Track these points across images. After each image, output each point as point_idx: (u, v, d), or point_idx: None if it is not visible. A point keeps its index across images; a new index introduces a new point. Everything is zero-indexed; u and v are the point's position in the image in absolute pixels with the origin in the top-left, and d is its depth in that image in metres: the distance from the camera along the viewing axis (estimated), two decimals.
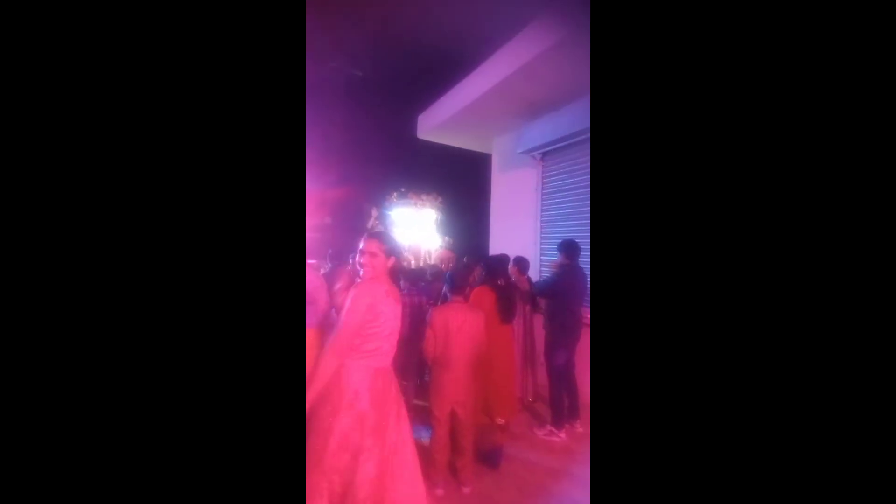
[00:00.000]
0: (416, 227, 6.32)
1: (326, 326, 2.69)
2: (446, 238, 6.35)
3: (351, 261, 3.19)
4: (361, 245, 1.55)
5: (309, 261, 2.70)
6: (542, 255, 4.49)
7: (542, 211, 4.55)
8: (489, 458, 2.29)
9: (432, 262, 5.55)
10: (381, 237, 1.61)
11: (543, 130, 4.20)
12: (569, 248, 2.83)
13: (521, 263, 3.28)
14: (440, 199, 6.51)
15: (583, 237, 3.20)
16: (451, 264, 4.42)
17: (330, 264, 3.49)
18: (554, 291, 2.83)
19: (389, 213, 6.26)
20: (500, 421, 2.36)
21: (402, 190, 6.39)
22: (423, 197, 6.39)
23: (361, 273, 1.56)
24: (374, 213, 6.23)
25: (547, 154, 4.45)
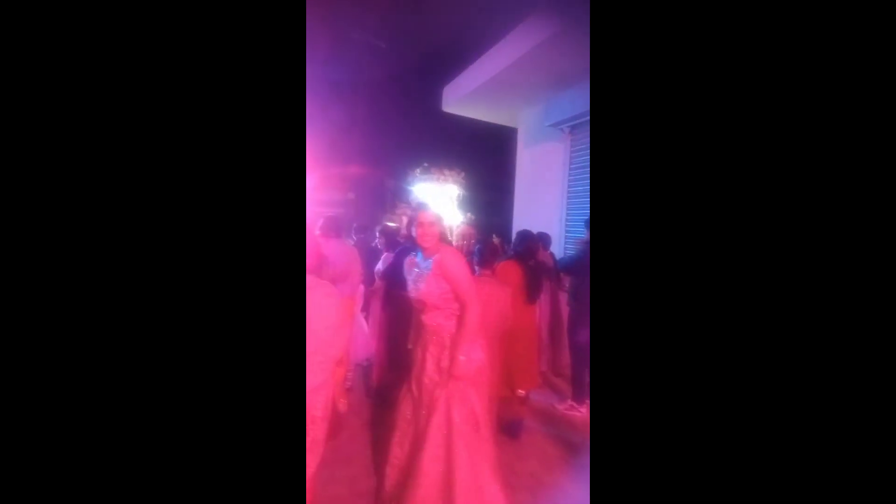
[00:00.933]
0: (439, 203, 6.29)
1: (357, 295, 2.76)
2: (468, 214, 6.31)
3: (377, 236, 3.21)
4: (412, 218, 1.66)
5: (331, 236, 2.78)
6: (567, 231, 4.42)
7: (570, 186, 4.45)
8: (510, 428, 2.34)
9: (454, 238, 5.54)
10: (429, 206, 1.65)
11: (573, 101, 4.05)
12: None
13: (544, 239, 3.24)
14: (463, 174, 6.42)
15: None
16: (472, 241, 4.41)
17: (355, 237, 3.53)
18: (579, 268, 2.80)
19: (411, 188, 6.24)
20: (521, 392, 2.40)
21: (425, 165, 6.33)
22: (446, 172, 6.32)
23: (421, 245, 1.62)
24: (392, 186, 6.22)
25: (576, 127, 4.31)
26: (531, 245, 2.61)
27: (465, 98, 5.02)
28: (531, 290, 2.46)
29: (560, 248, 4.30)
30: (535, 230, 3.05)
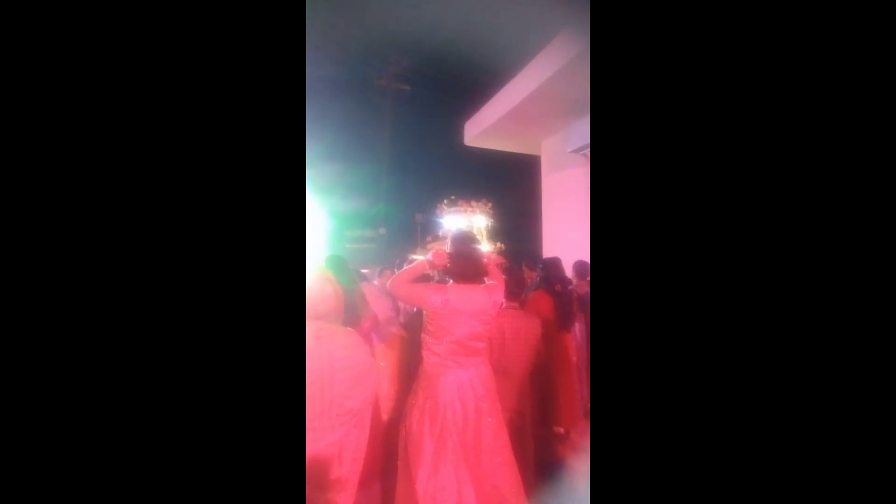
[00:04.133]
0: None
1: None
2: (498, 244, 6.28)
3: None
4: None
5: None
6: None
7: None
8: (550, 469, 2.20)
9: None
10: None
11: None
12: None
13: (581, 268, 3.15)
14: (490, 204, 6.46)
15: None
16: (503, 269, 4.35)
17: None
18: None
19: (441, 220, 6.33)
20: (559, 430, 2.27)
21: (452, 198, 6.43)
22: (473, 203, 6.38)
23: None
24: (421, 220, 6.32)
25: None
26: (555, 272, 2.55)
27: (485, 131, 5.13)
28: (562, 319, 2.37)
29: None
30: (567, 256, 2.98)
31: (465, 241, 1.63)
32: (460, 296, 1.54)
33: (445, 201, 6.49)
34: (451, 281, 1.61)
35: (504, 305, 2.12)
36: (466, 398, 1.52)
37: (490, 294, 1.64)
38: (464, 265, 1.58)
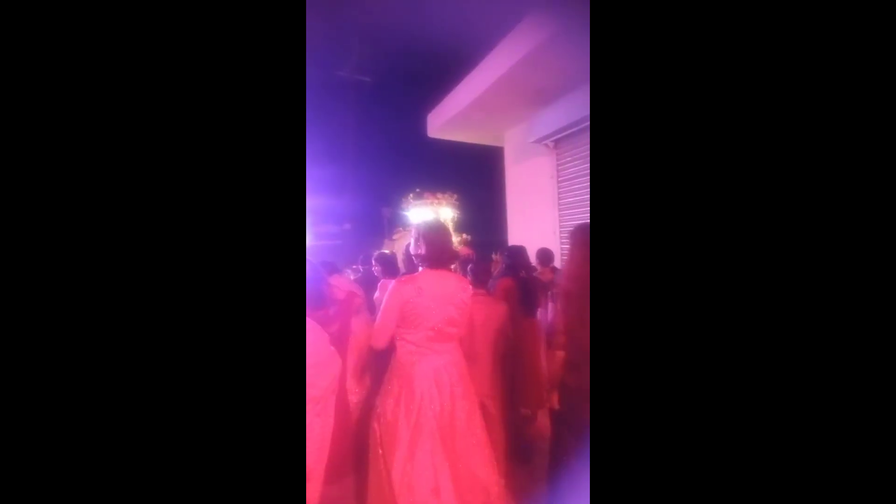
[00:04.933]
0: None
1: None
2: (464, 235, 6.33)
3: (374, 263, 3.20)
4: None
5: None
6: (562, 243, 4.42)
7: (560, 199, 4.48)
8: (521, 451, 2.26)
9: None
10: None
11: (555, 117, 4.13)
12: None
13: (545, 255, 3.23)
14: (456, 196, 6.48)
15: None
16: (469, 260, 4.39)
17: (362, 268, 3.47)
18: None
19: (406, 213, 6.29)
20: (526, 412, 2.34)
21: (418, 190, 6.40)
22: (439, 196, 6.38)
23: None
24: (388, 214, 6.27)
25: (560, 141, 4.37)
26: (520, 259, 2.61)
27: (449, 122, 5.12)
28: (527, 305, 2.43)
29: (558, 260, 4.28)
30: (532, 244, 3.04)
31: (433, 228, 1.64)
32: (433, 281, 1.55)
33: (411, 194, 6.47)
34: (422, 268, 1.61)
35: (472, 292, 2.15)
36: (442, 384, 1.54)
37: (459, 278, 1.67)
38: (438, 250, 1.59)
